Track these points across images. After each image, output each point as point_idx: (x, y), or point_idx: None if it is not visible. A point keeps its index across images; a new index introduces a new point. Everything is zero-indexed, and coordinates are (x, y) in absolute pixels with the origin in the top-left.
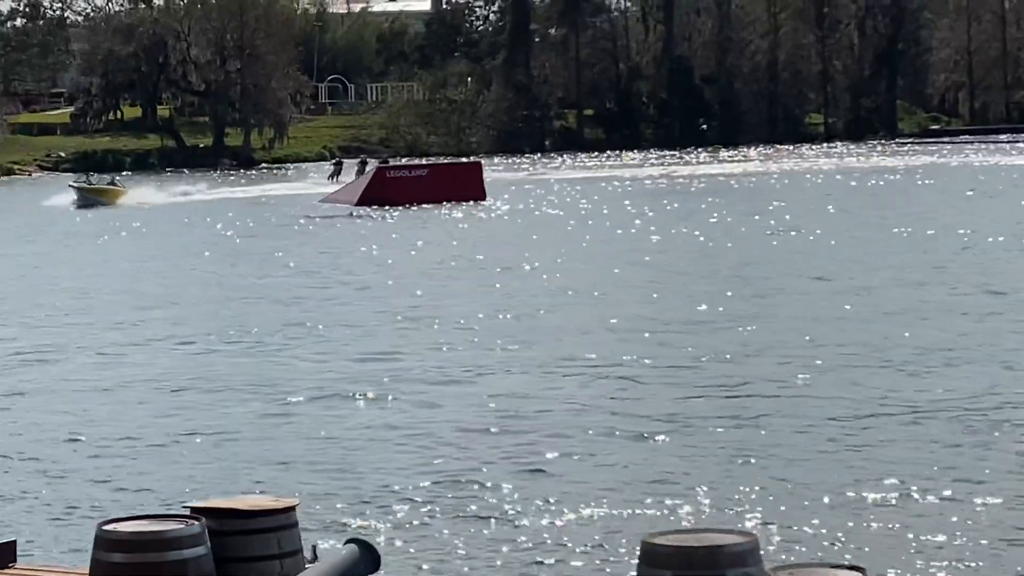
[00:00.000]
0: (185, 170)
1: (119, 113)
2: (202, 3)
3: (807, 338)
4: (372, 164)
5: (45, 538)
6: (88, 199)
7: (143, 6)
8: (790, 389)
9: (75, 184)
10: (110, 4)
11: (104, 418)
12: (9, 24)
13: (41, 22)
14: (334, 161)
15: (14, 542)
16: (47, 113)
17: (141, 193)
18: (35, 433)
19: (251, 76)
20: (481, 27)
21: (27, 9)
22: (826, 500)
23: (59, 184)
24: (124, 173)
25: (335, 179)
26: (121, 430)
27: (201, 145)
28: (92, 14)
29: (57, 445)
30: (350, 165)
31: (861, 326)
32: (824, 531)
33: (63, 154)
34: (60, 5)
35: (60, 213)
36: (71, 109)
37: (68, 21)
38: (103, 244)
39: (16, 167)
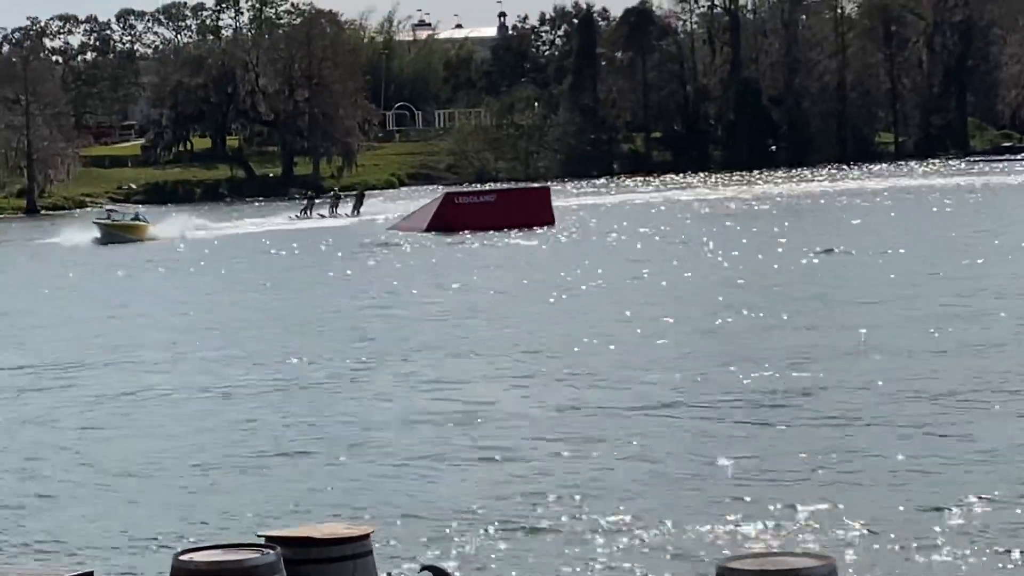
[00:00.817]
0: (245, 200)
1: (189, 144)
2: (270, 34)
3: (885, 362)
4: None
5: (121, 568)
6: (112, 235)
7: (211, 38)
8: (865, 411)
9: (98, 221)
10: (179, 36)
11: (177, 447)
12: (80, 58)
13: (111, 55)
14: (307, 194)
15: (91, 573)
16: (118, 145)
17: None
18: (110, 463)
19: (319, 105)
20: (547, 52)
21: (97, 43)
22: (903, 522)
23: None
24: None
25: (308, 213)
26: (195, 459)
27: (271, 175)
28: (161, 47)
29: (132, 475)
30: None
31: (947, 353)
32: (902, 554)
33: (134, 186)
34: (130, 38)
35: (83, 252)
36: (142, 141)
37: (138, 54)
38: (159, 278)
39: (88, 199)
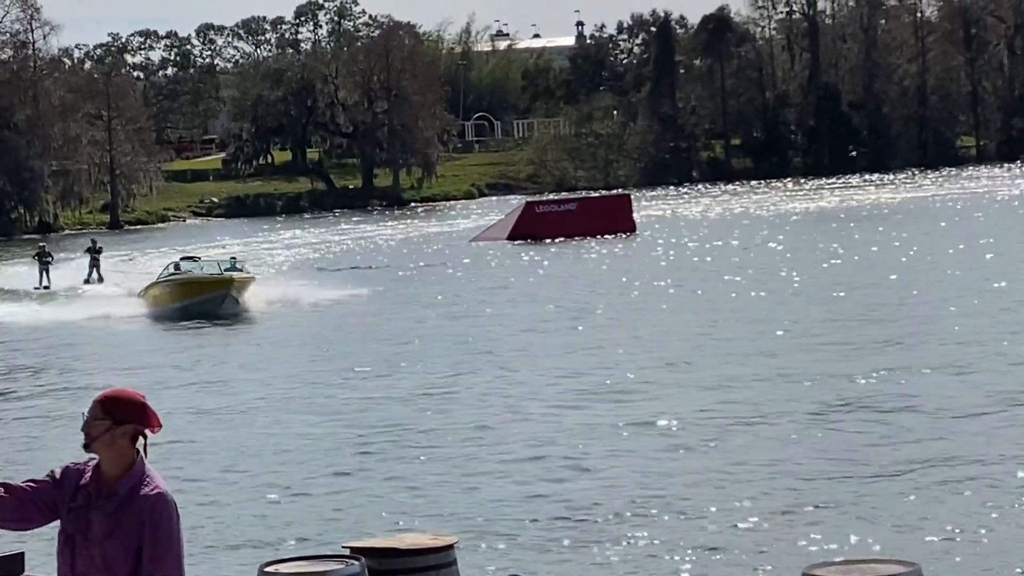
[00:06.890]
0: (335, 211)
1: (269, 157)
2: (348, 46)
3: (972, 372)
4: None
5: None
6: (207, 301)
7: (291, 51)
8: (953, 419)
9: (175, 276)
10: (258, 50)
11: (263, 459)
12: (161, 73)
13: (192, 70)
14: (36, 253)
15: None
16: (199, 159)
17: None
18: (197, 474)
19: (398, 116)
20: (625, 60)
21: (178, 58)
22: (990, 529)
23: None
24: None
25: (45, 280)
26: (281, 470)
27: (351, 186)
28: (241, 61)
29: (219, 486)
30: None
31: None
32: (988, 561)
33: (216, 199)
34: (210, 53)
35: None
36: (223, 155)
37: (218, 68)
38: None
39: (171, 214)
